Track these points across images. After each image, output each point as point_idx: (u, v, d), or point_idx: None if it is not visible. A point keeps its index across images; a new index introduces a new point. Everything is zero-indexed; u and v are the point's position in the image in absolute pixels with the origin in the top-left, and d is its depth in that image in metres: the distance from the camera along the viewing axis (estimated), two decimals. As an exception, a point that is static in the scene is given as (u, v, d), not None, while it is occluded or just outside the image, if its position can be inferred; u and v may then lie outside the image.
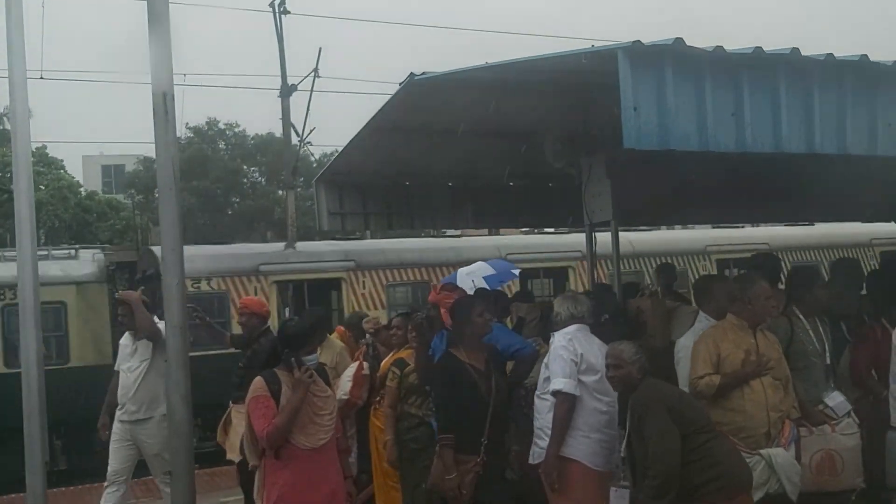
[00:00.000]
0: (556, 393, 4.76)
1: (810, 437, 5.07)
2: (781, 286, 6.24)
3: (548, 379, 4.88)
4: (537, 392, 5.01)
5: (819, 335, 5.34)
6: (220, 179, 34.52)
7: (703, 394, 4.80)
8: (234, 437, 6.38)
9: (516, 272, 8.26)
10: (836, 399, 5.22)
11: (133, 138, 50.75)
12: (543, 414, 4.89)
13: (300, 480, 4.54)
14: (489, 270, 7.50)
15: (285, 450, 4.53)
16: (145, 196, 35.58)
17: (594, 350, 4.91)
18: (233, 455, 6.50)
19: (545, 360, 5.01)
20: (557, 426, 4.74)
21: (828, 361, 5.31)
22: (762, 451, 4.77)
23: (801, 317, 5.36)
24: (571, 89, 5.88)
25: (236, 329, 8.53)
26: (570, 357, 4.77)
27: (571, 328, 4.98)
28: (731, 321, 5.03)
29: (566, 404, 4.74)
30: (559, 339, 4.94)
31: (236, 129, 38.56)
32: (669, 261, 13.71)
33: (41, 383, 5.83)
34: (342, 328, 7.64)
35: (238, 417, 6.20)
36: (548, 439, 4.81)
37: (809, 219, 13.79)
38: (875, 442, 5.34)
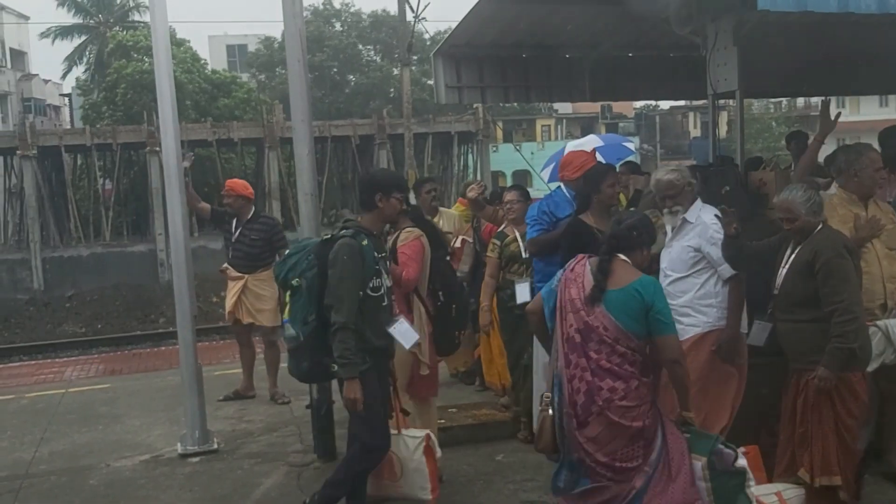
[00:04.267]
0: (731, 277, 4.77)
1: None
2: None
3: (700, 260, 4.81)
4: (677, 272, 4.89)
5: None
6: (335, 57, 34.94)
7: None
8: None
9: (631, 146, 8.04)
10: None
11: (255, 18, 51.19)
12: (691, 292, 4.82)
13: None
14: (598, 143, 7.42)
15: None
16: (267, 75, 36.51)
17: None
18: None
19: (686, 237, 4.87)
20: (740, 304, 4.77)
21: None
22: (878, 323, 4.67)
23: None
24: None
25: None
26: (720, 238, 4.72)
27: (700, 203, 4.94)
28: (839, 195, 4.86)
29: (742, 283, 4.79)
30: (708, 217, 4.83)
31: (352, 9, 38.63)
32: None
33: (187, 242, 6.24)
34: (463, 199, 7.86)
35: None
36: (694, 316, 4.81)
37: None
38: None
